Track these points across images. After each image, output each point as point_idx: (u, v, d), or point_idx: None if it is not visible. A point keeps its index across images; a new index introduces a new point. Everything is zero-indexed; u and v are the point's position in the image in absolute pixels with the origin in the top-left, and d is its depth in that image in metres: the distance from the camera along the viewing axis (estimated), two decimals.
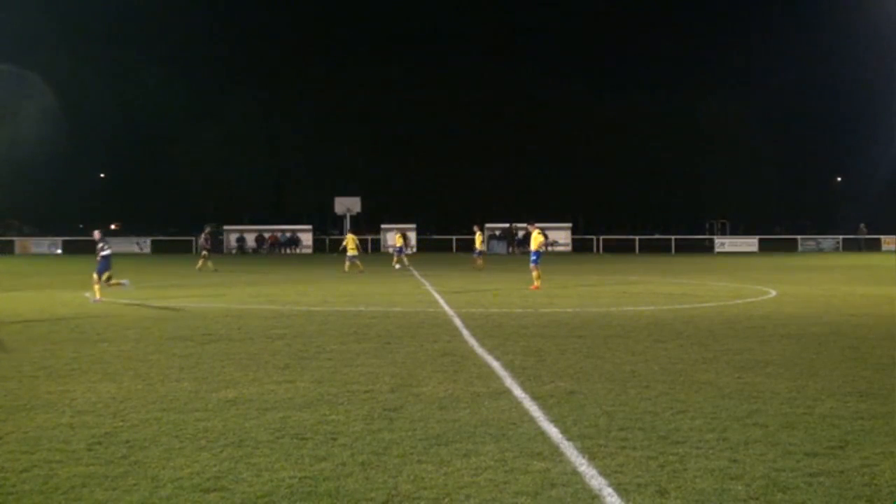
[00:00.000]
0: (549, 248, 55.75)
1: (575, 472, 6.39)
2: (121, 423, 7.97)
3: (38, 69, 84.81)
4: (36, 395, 9.31)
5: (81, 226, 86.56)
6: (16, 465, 6.62)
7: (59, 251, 68.64)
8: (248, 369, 10.90)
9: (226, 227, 72.21)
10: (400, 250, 44.77)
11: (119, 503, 5.81)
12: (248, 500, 5.84)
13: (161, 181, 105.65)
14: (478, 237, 41.57)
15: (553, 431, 7.57)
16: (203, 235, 40.10)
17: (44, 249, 69.29)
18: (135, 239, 71.64)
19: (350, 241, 36.91)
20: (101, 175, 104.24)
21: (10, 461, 6.74)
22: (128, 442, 7.30)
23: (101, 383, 9.98)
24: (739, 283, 28.37)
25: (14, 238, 73.42)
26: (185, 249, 69.87)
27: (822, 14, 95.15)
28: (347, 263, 36.17)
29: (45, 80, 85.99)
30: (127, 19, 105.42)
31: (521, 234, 54.51)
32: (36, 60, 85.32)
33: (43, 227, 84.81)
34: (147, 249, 68.78)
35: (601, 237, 72.96)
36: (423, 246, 72.34)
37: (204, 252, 38.62)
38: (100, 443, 7.28)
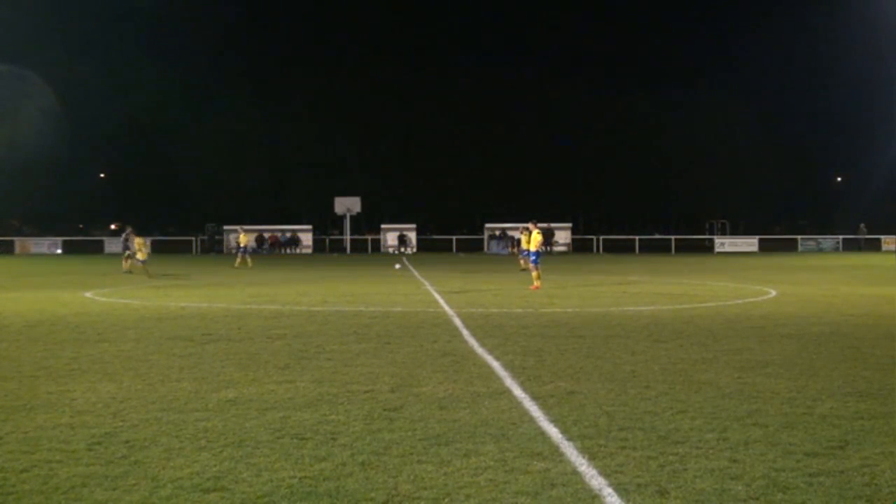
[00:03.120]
0: (548, 249, 55.77)
1: (575, 472, 6.39)
2: (121, 423, 7.97)
3: (39, 69, 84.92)
4: (36, 395, 9.31)
5: (81, 226, 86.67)
6: (16, 465, 6.62)
7: (59, 251, 68.68)
8: (248, 369, 10.89)
9: (226, 227, 72.22)
10: (244, 250, 42.67)
11: (119, 503, 5.80)
12: (248, 500, 5.84)
13: (161, 181, 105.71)
14: (524, 237, 41.00)
15: (553, 431, 7.57)
16: (124, 235, 38.69)
17: (44, 249, 69.33)
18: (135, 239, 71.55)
19: (138, 245, 34.81)
20: (101, 175, 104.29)
21: (10, 461, 6.74)
22: (128, 442, 7.29)
23: (101, 383, 9.98)
24: (739, 283, 28.37)
25: (14, 238, 73.43)
26: (185, 249, 69.96)
27: (823, 14, 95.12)
28: (133, 265, 35.10)
29: (45, 80, 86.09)
30: (127, 19, 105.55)
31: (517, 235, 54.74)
32: (36, 60, 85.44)
33: (43, 228, 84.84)
34: (147, 249, 68.67)
35: (601, 237, 73.00)
36: (423, 246, 72.43)
37: (127, 252, 37.09)
38: (100, 443, 7.28)
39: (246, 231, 44.74)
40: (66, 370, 10.92)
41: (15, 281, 31.51)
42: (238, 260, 41.67)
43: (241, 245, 42.89)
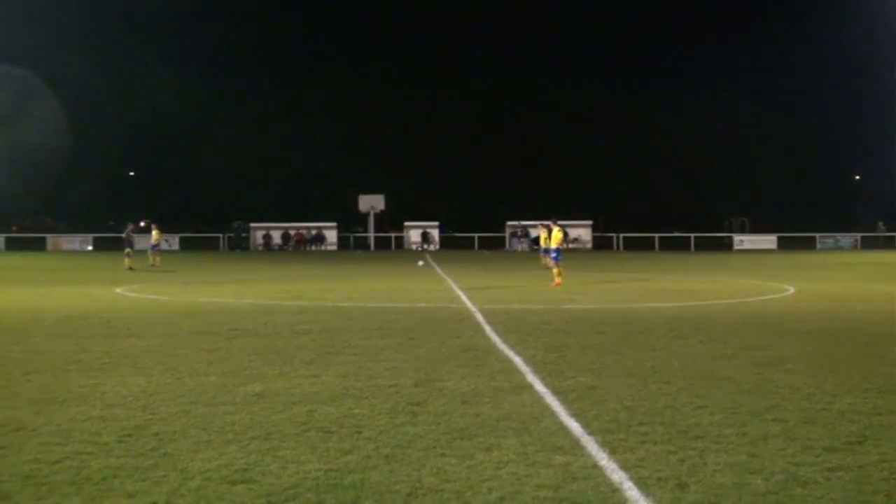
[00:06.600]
0: (568, 245, 55.63)
1: (596, 466, 6.44)
2: (150, 416, 8.08)
3: (70, 69, 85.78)
4: (68, 388, 9.45)
5: (112, 223, 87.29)
6: (49, 457, 6.72)
7: (90, 248, 69.36)
8: (274, 364, 11.01)
9: (252, 225, 72.72)
10: (155, 247, 40.45)
11: (148, 494, 5.87)
12: (275, 492, 5.89)
13: (189, 179, 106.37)
14: (543, 235, 36.65)
15: (574, 426, 7.62)
16: (126, 232, 37.92)
17: (75, 246, 70.01)
18: (163, 236, 72.10)
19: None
20: (131, 173, 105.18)
21: (44, 452, 6.84)
22: (157, 434, 7.39)
23: (131, 377, 10.10)
24: (758, 281, 28.28)
25: (47, 235, 74.24)
26: (212, 246, 70.50)
27: (842, 10, 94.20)
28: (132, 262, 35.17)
29: (77, 81, 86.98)
30: (153, 19, 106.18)
31: (535, 232, 54.87)
32: (67, 61, 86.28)
33: (74, 225, 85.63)
34: (175, 246, 69.30)
35: (621, 235, 72.78)
36: (445, 243, 72.54)
37: (127, 249, 36.53)
38: (130, 435, 7.37)
39: (158, 228, 41.56)
40: (98, 364, 11.06)
41: (47, 277, 31.85)
42: (151, 258, 39.53)
43: (153, 242, 40.82)
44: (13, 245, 69.58)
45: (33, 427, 7.69)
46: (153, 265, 37.79)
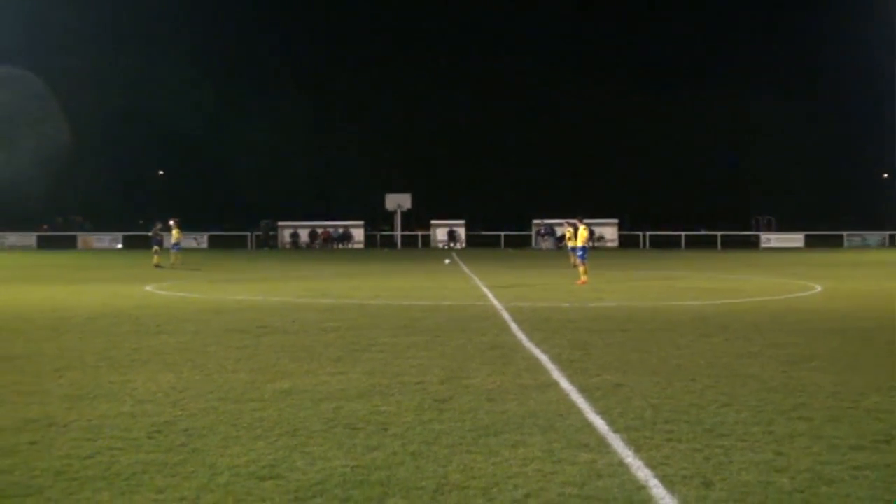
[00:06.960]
0: (594, 244, 55.60)
1: (621, 464, 6.45)
2: (179, 413, 8.15)
3: (103, 71, 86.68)
4: (99, 384, 9.55)
5: (141, 221, 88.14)
6: (80, 452, 6.79)
7: (120, 246, 70.06)
8: (302, 361, 11.08)
9: (280, 223, 73.18)
10: (177, 246, 39.46)
11: (178, 489, 5.91)
12: (302, 488, 5.93)
13: (218, 178, 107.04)
14: (569, 233, 34.68)
15: (599, 423, 7.63)
16: (154, 230, 38.22)
17: (105, 244, 70.76)
18: (192, 234, 72.73)
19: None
20: (160, 172, 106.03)
21: (75, 448, 6.91)
22: (186, 430, 7.46)
23: (160, 374, 10.20)
24: (785, 279, 28.12)
25: (77, 233, 75.10)
26: (241, 244, 70.99)
27: (870, 7, 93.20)
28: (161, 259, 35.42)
29: (108, 81, 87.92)
30: (184, 20, 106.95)
31: (559, 231, 54.89)
32: (95, 62, 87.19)
33: (104, 223, 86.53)
34: (204, 244, 69.85)
35: (647, 233, 72.47)
36: (471, 241, 72.63)
37: (155, 247, 37.04)
38: (159, 431, 7.44)
39: (179, 227, 40.20)
40: (128, 361, 11.17)
41: (78, 275, 32.16)
42: (173, 257, 38.69)
43: (174, 241, 39.81)
44: (44, 244, 70.47)
45: (64, 423, 7.78)
46: (174, 264, 37.65)
